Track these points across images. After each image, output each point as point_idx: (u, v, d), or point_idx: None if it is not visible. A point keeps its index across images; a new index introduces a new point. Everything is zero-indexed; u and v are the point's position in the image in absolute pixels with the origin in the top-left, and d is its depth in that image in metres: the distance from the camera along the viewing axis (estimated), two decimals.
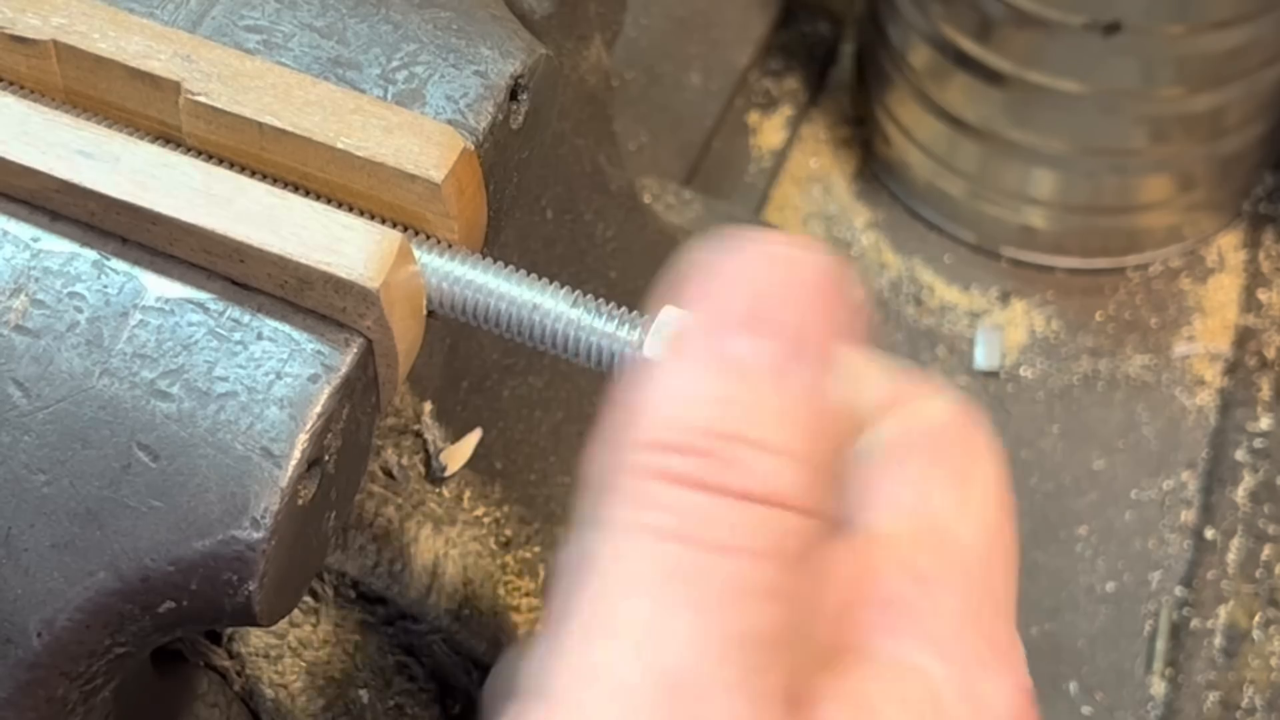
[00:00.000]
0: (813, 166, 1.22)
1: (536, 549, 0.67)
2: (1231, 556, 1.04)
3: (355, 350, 0.43)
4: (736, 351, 0.35)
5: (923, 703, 0.36)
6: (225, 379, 0.42)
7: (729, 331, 0.35)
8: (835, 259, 0.36)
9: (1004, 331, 1.14)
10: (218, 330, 0.43)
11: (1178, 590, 1.03)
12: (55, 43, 0.46)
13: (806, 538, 0.34)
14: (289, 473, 0.42)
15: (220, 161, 0.45)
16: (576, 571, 0.34)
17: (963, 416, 0.40)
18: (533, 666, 0.34)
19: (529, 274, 0.44)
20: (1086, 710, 0.99)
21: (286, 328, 0.43)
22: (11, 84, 0.47)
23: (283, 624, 0.59)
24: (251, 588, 0.42)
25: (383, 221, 0.45)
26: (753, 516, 0.34)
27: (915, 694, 0.36)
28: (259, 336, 0.43)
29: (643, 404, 0.35)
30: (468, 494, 0.65)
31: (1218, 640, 1.01)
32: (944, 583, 0.37)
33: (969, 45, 1.09)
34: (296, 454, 0.42)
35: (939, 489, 0.39)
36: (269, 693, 0.58)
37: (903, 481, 0.39)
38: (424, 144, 0.44)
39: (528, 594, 0.65)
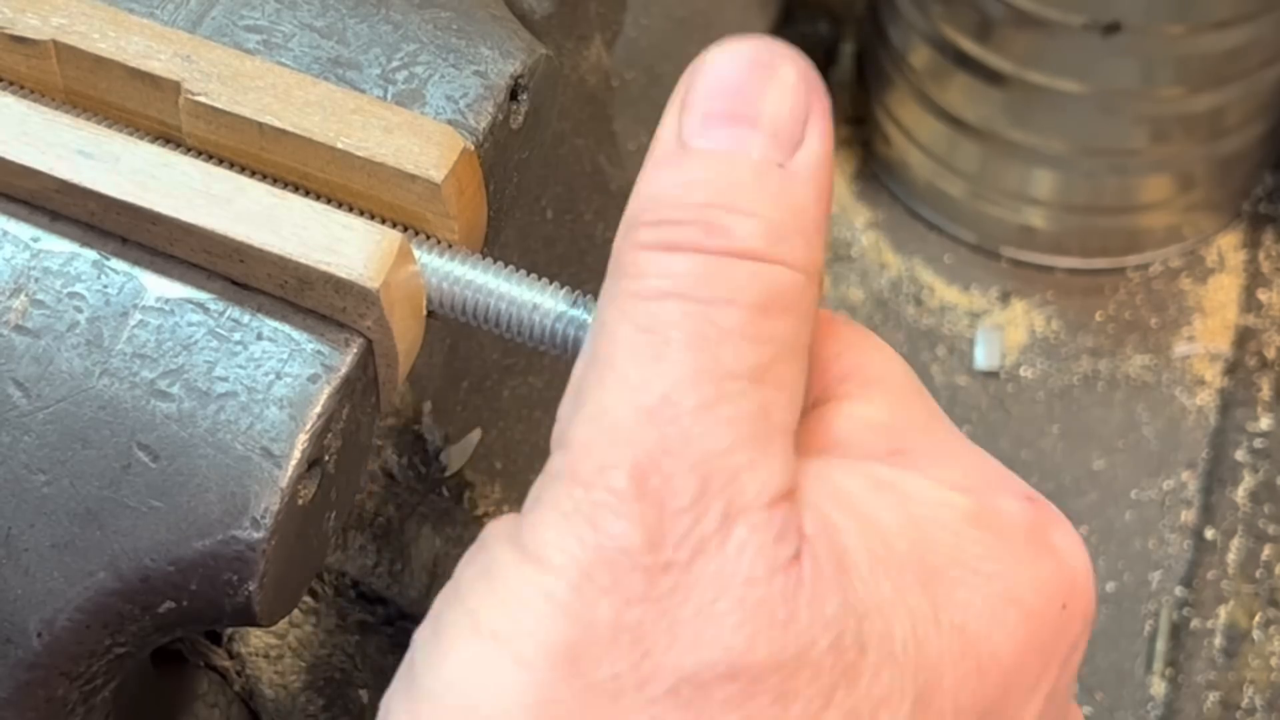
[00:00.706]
0: None
1: None
2: (1231, 556, 1.04)
3: (355, 350, 0.43)
4: (719, 141, 0.39)
5: (935, 493, 0.39)
6: (225, 379, 0.42)
7: (712, 125, 0.39)
8: (797, 55, 0.40)
9: (1004, 331, 1.14)
10: (218, 330, 0.43)
11: (1178, 590, 1.03)
12: (55, 43, 0.46)
13: (788, 289, 0.38)
14: (289, 473, 0.42)
15: (220, 161, 0.45)
16: (590, 340, 0.38)
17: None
18: (558, 426, 0.38)
19: (529, 274, 0.44)
20: (1086, 710, 0.99)
21: (286, 328, 0.43)
22: (11, 84, 0.47)
23: (283, 624, 0.59)
24: (251, 588, 0.42)
25: (383, 221, 0.45)
26: (735, 271, 0.37)
27: (930, 487, 0.39)
28: (259, 336, 0.43)
29: (641, 192, 0.39)
30: (468, 494, 0.65)
31: (1218, 640, 1.01)
32: (913, 433, 0.41)
33: (969, 45, 1.09)
34: (296, 454, 0.42)
35: (867, 351, 0.42)
36: (269, 693, 0.58)
37: (832, 354, 0.42)
38: (424, 144, 0.44)
39: None
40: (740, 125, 0.39)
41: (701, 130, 0.39)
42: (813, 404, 0.41)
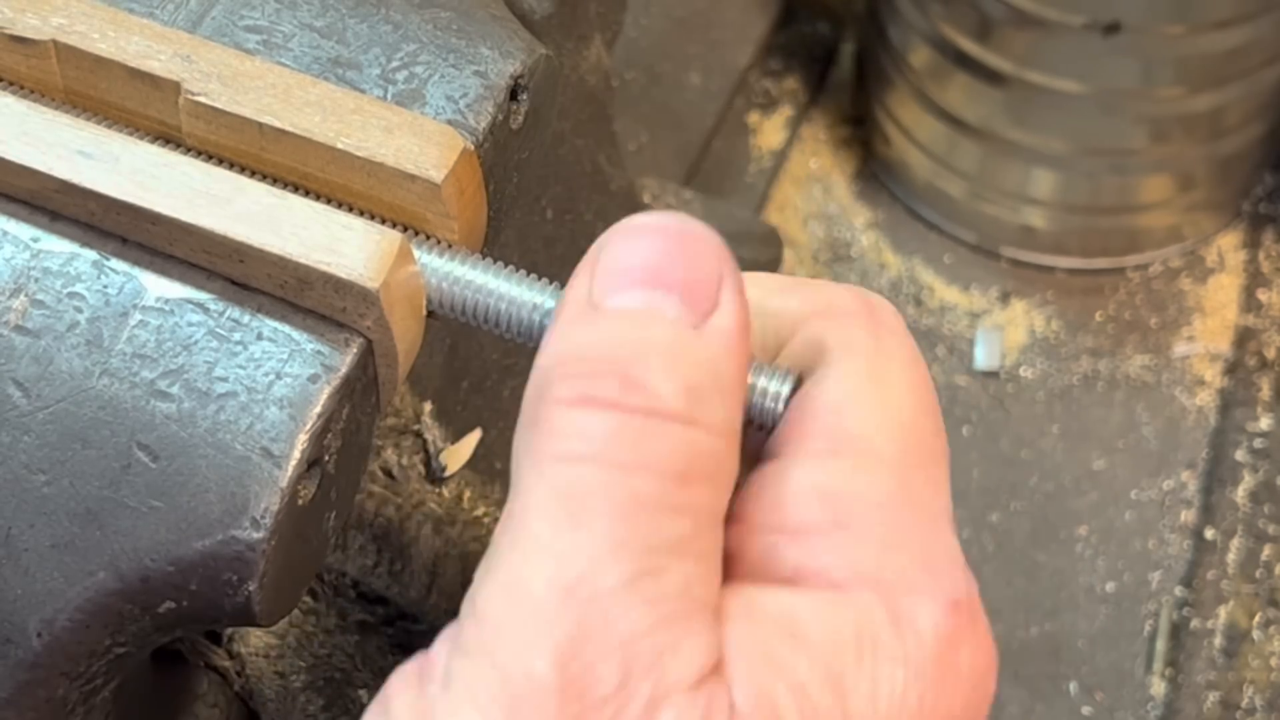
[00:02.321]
0: (813, 166, 1.22)
1: None
2: (1231, 556, 1.04)
3: (355, 350, 0.43)
4: (632, 302, 0.38)
5: (850, 626, 0.37)
6: (225, 379, 0.42)
7: (625, 287, 0.38)
8: (707, 227, 0.40)
9: (1004, 331, 1.14)
10: (218, 330, 0.43)
11: (1178, 590, 1.03)
12: (55, 43, 0.46)
13: (708, 454, 0.37)
14: (289, 473, 0.42)
15: (220, 161, 0.45)
16: (509, 497, 0.37)
17: (867, 305, 0.42)
18: (471, 589, 0.37)
19: (529, 274, 0.44)
20: (1086, 710, 0.99)
21: (286, 328, 0.43)
22: (11, 84, 0.47)
23: (283, 624, 0.59)
24: (251, 588, 0.42)
25: (383, 221, 0.45)
26: (655, 435, 0.36)
27: (844, 617, 0.37)
28: (259, 337, 0.43)
29: (552, 349, 0.39)
30: (468, 494, 0.65)
31: (1218, 640, 1.01)
32: (862, 506, 0.39)
33: (969, 45, 1.09)
34: (296, 454, 0.42)
35: (853, 397, 0.40)
36: (269, 693, 0.58)
37: (819, 393, 0.40)
38: (424, 144, 0.44)
39: None
40: (654, 287, 0.38)
41: (614, 291, 0.38)
42: (776, 451, 0.40)
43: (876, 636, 0.37)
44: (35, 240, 0.44)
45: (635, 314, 0.38)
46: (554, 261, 0.68)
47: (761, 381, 0.41)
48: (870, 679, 0.37)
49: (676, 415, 0.37)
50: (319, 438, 0.42)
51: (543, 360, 0.39)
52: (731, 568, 0.38)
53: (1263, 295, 1.15)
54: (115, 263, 0.44)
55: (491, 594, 0.36)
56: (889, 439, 0.39)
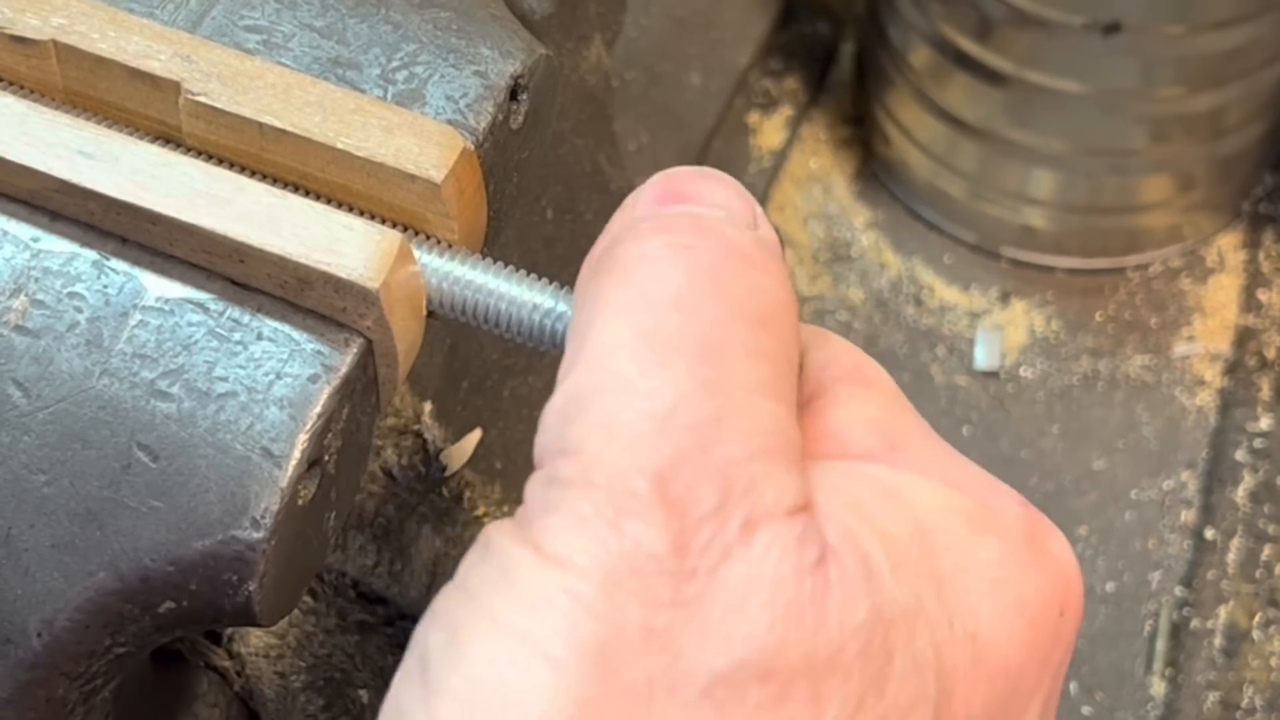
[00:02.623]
0: (813, 166, 1.22)
1: None
2: (1231, 556, 1.04)
3: (355, 350, 0.43)
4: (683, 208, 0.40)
5: (938, 498, 0.39)
6: (225, 379, 0.42)
7: (668, 204, 0.40)
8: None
9: (1004, 331, 1.14)
10: (218, 330, 0.43)
11: (1178, 590, 1.03)
12: (55, 43, 0.46)
13: (783, 304, 0.38)
14: (289, 473, 0.42)
15: (220, 161, 0.45)
16: (577, 339, 0.38)
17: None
18: (545, 432, 0.37)
19: (529, 274, 0.44)
20: (1086, 710, 0.99)
21: (286, 328, 0.43)
22: (11, 84, 0.47)
23: (283, 624, 0.59)
24: (251, 588, 0.42)
25: (383, 221, 0.45)
26: (735, 282, 0.38)
27: (933, 490, 0.39)
28: (259, 336, 0.43)
29: (622, 218, 0.40)
30: (468, 494, 0.65)
31: (1218, 640, 1.01)
32: (909, 431, 0.41)
33: (969, 45, 1.09)
34: (296, 454, 0.42)
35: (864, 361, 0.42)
36: (269, 693, 0.58)
37: (828, 353, 0.42)
38: (424, 144, 0.44)
39: None
40: (697, 203, 0.40)
41: (659, 208, 0.40)
42: (809, 400, 0.41)
43: (966, 510, 0.38)
44: (35, 240, 0.44)
45: (694, 210, 0.39)
46: (554, 261, 0.68)
47: None
48: (962, 545, 0.38)
49: (753, 259, 0.38)
50: (319, 438, 0.42)
51: (614, 226, 0.40)
52: None
53: (1263, 295, 1.15)
54: (115, 263, 0.44)
55: (586, 430, 0.36)
56: (894, 384, 0.42)
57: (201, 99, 0.45)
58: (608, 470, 0.35)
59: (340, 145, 0.44)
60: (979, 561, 0.38)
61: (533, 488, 0.37)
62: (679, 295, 0.37)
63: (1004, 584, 0.38)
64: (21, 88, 0.47)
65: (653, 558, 0.35)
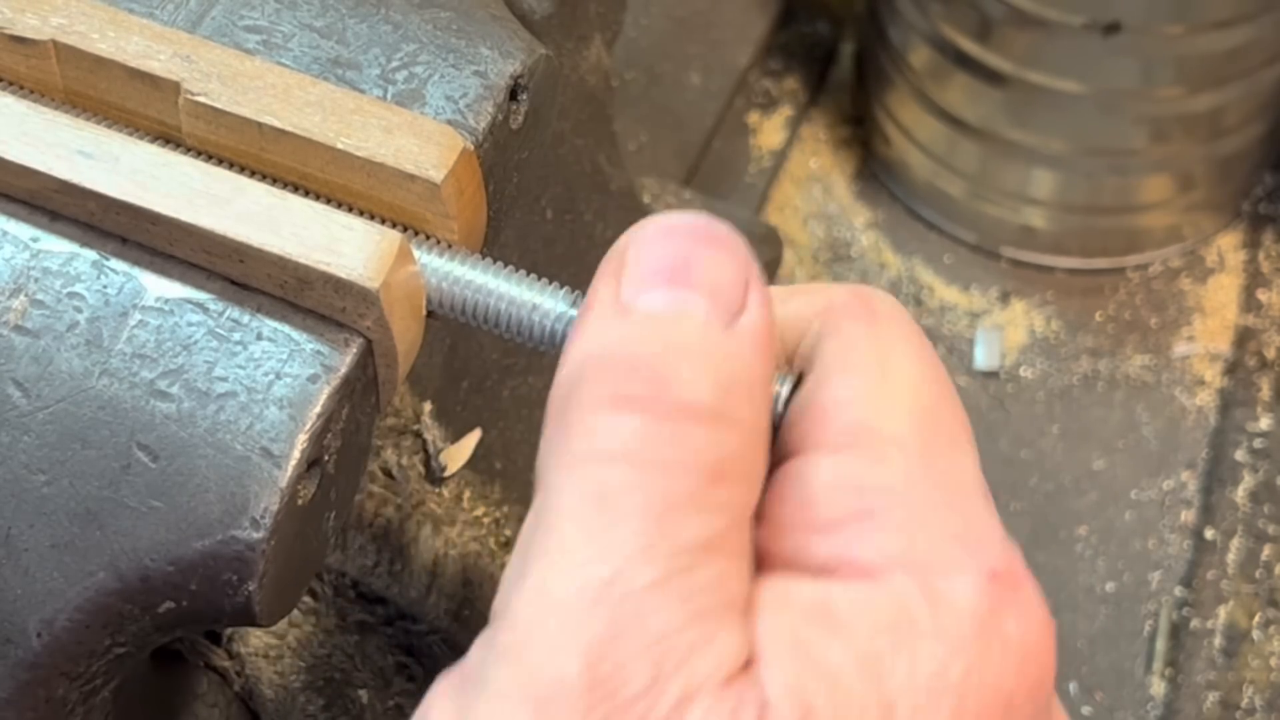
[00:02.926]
0: (813, 166, 1.22)
1: None
2: (1231, 556, 1.04)
3: (355, 350, 0.43)
4: (660, 303, 0.38)
5: (885, 609, 0.37)
6: (225, 379, 0.42)
7: (652, 287, 0.38)
8: (731, 228, 0.40)
9: (1004, 331, 1.14)
10: (217, 330, 0.43)
11: (1178, 590, 1.03)
12: (55, 43, 0.46)
13: (739, 452, 0.37)
14: (289, 473, 0.42)
15: (220, 161, 0.45)
16: (535, 501, 0.37)
17: (860, 298, 0.42)
18: (500, 591, 0.37)
19: (529, 274, 0.44)
20: (1086, 710, 0.99)
21: (286, 328, 0.43)
22: (11, 84, 0.47)
23: (283, 624, 0.59)
24: (251, 588, 0.42)
25: (383, 221, 0.45)
26: (686, 434, 0.36)
27: (878, 601, 0.37)
28: (259, 336, 0.43)
29: (579, 350, 0.38)
30: (468, 494, 0.65)
31: (1218, 640, 1.01)
32: (886, 493, 0.38)
33: (969, 45, 1.09)
34: (296, 454, 0.42)
35: (858, 389, 0.40)
36: (269, 693, 0.58)
37: (826, 389, 0.40)
38: (424, 144, 0.44)
39: None
40: (682, 288, 0.38)
41: (642, 292, 0.38)
42: (794, 452, 0.39)
43: (912, 617, 0.37)
44: (35, 240, 0.44)
45: (664, 314, 0.38)
46: (554, 261, 0.68)
47: None
48: (908, 660, 0.36)
49: (708, 414, 0.37)
50: (319, 438, 0.42)
51: (570, 361, 0.38)
52: (761, 567, 0.38)
53: (1263, 295, 1.15)
54: (115, 263, 0.44)
55: (523, 598, 0.35)
56: (901, 423, 0.39)
57: (201, 99, 0.45)
58: (538, 648, 0.35)
59: (340, 145, 0.44)
60: (924, 675, 0.37)
61: (476, 645, 0.36)
62: (628, 451, 0.36)
63: (945, 693, 0.37)
64: (21, 88, 0.47)
65: None
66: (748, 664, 0.36)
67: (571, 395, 0.38)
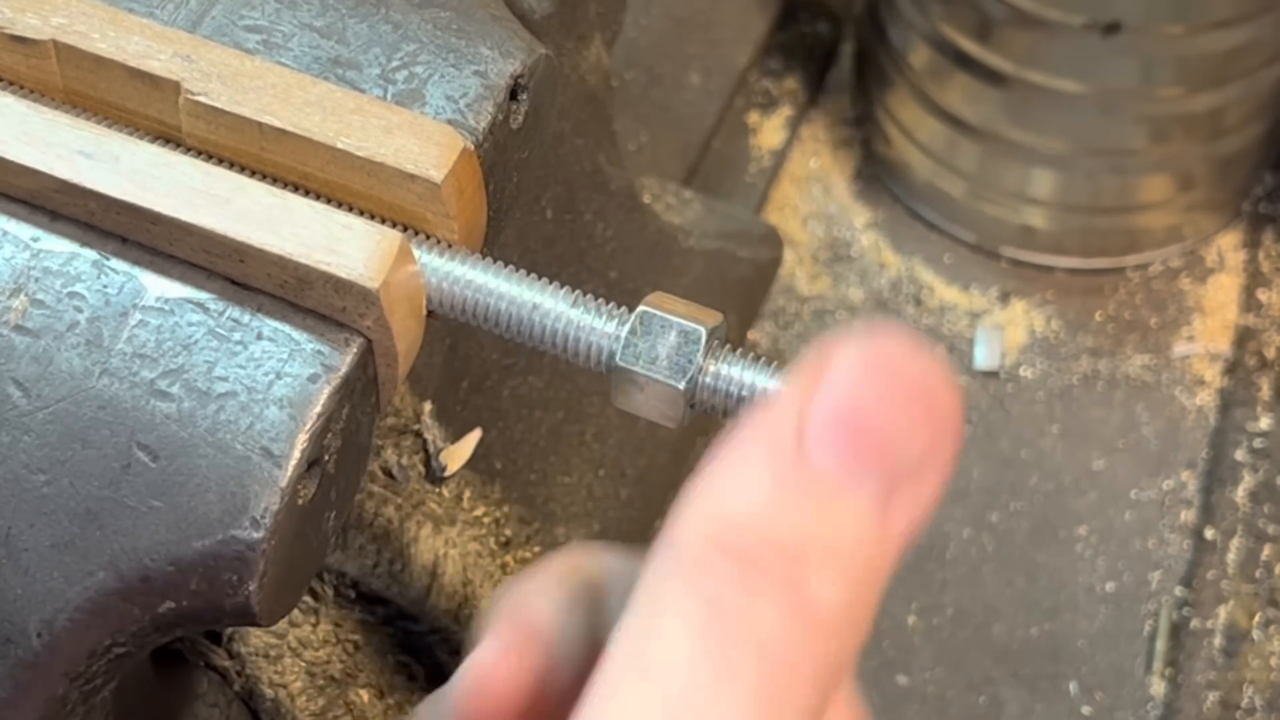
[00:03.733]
0: (813, 166, 1.22)
1: (536, 549, 0.67)
2: (1231, 556, 1.04)
3: (355, 350, 0.43)
4: (837, 464, 0.34)
5: None
6: (225, 379, 0.42)
7: (837, 440, 0.34)
8: (948, 378, 0.35)
9: (1004, 331, 1.14)
10: (218, 330, 0.43)
11: (1178, 590, 1.03)
12: (55, 43, 0.45)
13: (849, 660, 0.34)
14: (289, 473, 0.42)
15: (220, 161, 0.45)
16: (637, 614, 0.34)
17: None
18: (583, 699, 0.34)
19: (529, 274, 0.44)
20: (1086, 710, 0.99)
21: (286, 328, 0.43)
22: (11, 84, 0.47)
23: (283, 624, 0.59)
24: (251, 588, 0.42)
25: (383, 221, 0.45)
26: (813, 646, 0.33)
27: None
28: (259, 336, 0.43)
29: (720, 487, 0.34)
30: (468, 494, 0.65)
31: (1218, 640, 1.01)
32: None
33: (969, 45, 1.09)
34: (296, 454, 0.42)
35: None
36: (269, 693, 0.58)
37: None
38: (424, 144, 0.44)
39: None
40: (865, 458, 0.34)
41: (824, 441, 0.34)
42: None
43: None
44: (35, 240, 0.44)
45: (829, 488, 0.34)
46: (554, 261, 0.68)
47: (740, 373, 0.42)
48: None
49: (837, 630, 0.34)
50: (319, 438, 0.42)
51: (716, 488, 0.34)
52: None
53: (1263, 295, 1.15)
54: (115, 262, 0.44)
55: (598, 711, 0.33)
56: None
57: (201, 99, 0.45)
58: None
59: (340, 145, 0.44)
60: None
61: None
62: (754, 638, 0.33)
63: None
64: (21, 88, 0.47)
65: None
66: None
67: (708, 531, 0.34)
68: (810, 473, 0.34)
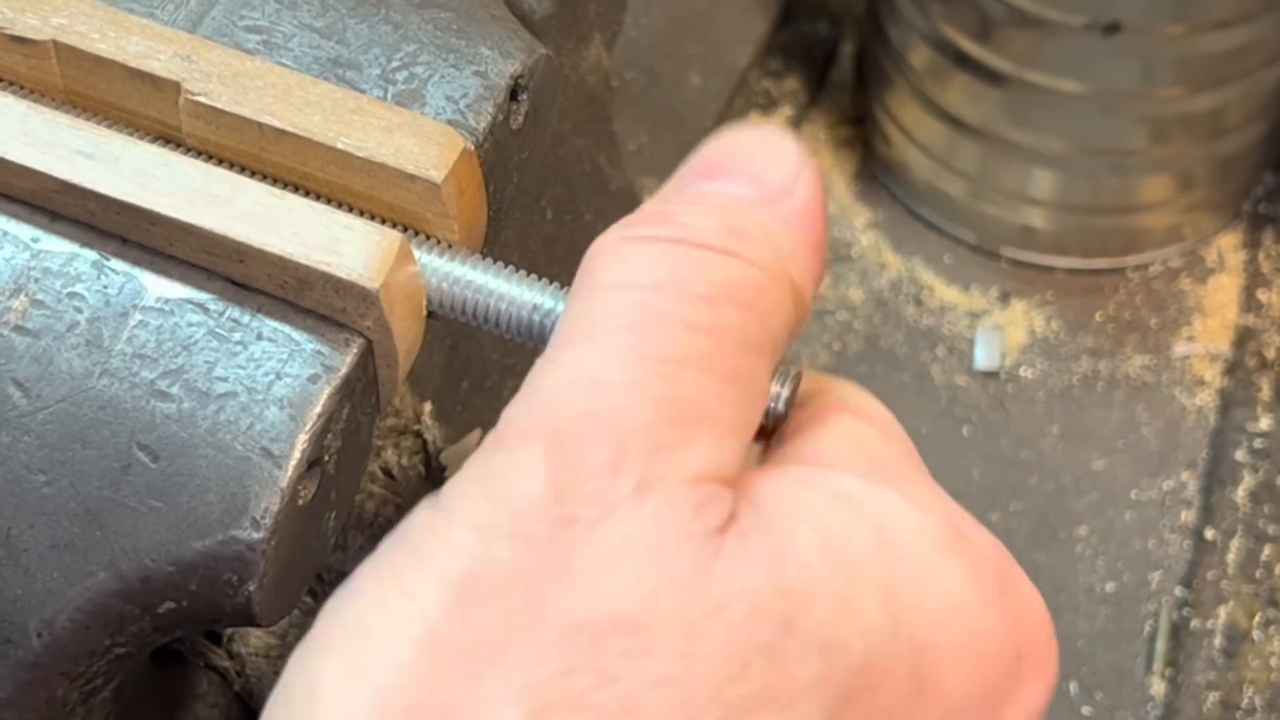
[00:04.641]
0: None
1: None
2: (1231, 556, 1.04)
3: (355, 350, 0.43)
4: (706, 189, 0.41)
5: (901, 513, 0.38)
6: (225, 379, 0.42)
7: (701, 178, 0.41)
8: (792, 137, 0.42)
9: (1004, 331, 1.14)
10: (218, 330, 0.43)
11: (1178, 590, 1.03)
12: (55, 43, 0.45)
13: (741, 283, 0.38)
14: (289, 473, 0.42)
15: (220, 161, 0.45)
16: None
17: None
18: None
19: (529, 274, 0.44)
20: (1086, 710, 0.99)
21: (286, 328, 0.43)
22: (11, 84, 0.47)
23: (283, 624, 0.59)
24: (251, 588, 0.42)
25: (383, 221, 0.45)
26: (682, 258, 0.38)
27: (891, 503, 0.38)
28: (259, 337, 0.43)
29: (625, 220, 0.40)
30: None
31: (1218, 640, 1.01)
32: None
33: (969, 45, 1.09)
34: (296, 454, 0.42)
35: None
36: (269, 693, 0.58)
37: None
38: (424, 144, 0.44)
39: None
40: (729, 175, 0.40)
41: (691, 181, 0.41)
42: (800, 426, 0.41)
43: (936, 533, 0.38)
44: (35, 240, 0.44)
45: (703, 191, 0.40)
46: (554, 261, 0.68)
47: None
48: (923, 561, 0.38)
49: (711, 245, 0.38)
50: (319, 438, 0.42)
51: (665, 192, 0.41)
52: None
53: (1263, 295, 1.15)
54: (115, 263, 0.44)
55: (511, 405, 0.37)
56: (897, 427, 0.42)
57: (201, 99, 0.45)
58: (512, 431, 0.37)
59: (340, 145, 0.44)
60: (940, 579, 0.37)
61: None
62: (627, 278, 0.38)
63: (961, 609, 0.37)
64: (21, 88, 0.47)
65: (532, 505, 0.35)
66: (723, 479, 0.37)
67: (596, 242, 0.39)
68: (680, 193, 0.41)
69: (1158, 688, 1.00)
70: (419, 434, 0.62)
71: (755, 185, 0.40)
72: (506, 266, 0.45)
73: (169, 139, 0.46)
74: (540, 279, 0.44)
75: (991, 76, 1.09)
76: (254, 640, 0.58)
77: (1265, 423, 1.09)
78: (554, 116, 0.50)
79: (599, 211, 0.72)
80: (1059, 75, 1.07)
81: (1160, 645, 1.01)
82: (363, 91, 0.45)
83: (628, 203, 0.74)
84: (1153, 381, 1.12)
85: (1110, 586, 1.04)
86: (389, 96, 0.45)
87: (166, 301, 0.43)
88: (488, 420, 0.66)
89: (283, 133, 0.44)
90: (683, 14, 1.22)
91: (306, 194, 0.45)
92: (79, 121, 0.45)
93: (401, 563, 0.36)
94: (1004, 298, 1.16)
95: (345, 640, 0.35)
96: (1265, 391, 1.11)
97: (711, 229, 0.38)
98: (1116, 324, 1.14)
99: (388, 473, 0.62)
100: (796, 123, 1.23)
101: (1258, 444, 1.09)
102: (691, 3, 1.23)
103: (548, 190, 0.67)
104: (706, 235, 0.38)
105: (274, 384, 0.42)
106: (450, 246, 0.45)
